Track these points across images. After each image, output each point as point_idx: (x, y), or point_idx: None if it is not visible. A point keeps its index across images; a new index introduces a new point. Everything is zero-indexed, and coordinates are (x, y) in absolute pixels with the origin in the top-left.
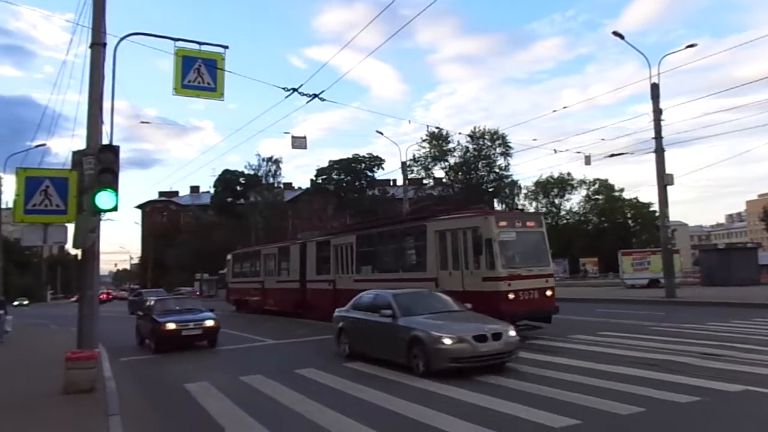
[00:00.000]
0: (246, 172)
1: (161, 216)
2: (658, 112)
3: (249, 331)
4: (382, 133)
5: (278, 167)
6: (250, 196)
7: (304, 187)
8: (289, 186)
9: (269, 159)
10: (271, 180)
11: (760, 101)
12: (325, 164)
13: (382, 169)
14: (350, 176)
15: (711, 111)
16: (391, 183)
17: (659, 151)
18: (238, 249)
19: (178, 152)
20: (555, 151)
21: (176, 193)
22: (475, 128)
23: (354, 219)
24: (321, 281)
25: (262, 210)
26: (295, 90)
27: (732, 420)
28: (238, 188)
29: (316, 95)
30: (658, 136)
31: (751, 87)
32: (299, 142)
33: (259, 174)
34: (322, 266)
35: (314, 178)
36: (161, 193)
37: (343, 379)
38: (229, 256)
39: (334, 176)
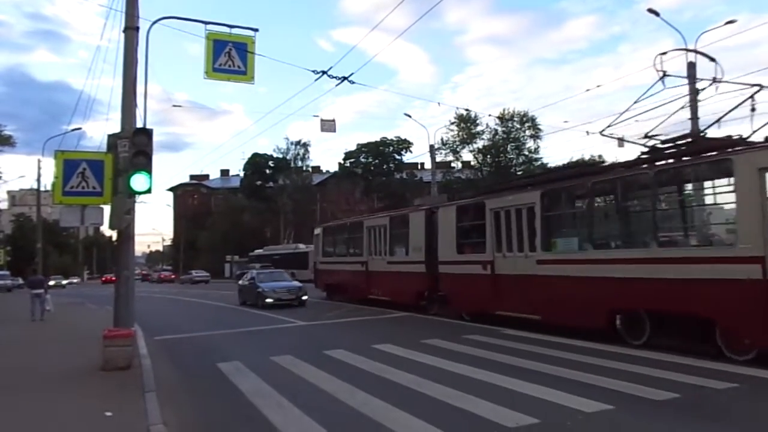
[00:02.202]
0: (275, 155)
1: (192, 199)
2: (694, 93)
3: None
4: (410, 116)
5: (306, 150)
6: (279, 179)
7: (332, 170)
8: (317, 169)
9: (298, 142)
10: (299, 163)
11: None
12: (353, 148)
13: (410, 152)
14: (378, 160)
15: (750, 89)
16: (419, 167)
17: (695, 133)
18: (331, 221)
19: (208, 136)
20: (587, 132)
21: (207, 176)
22: (504, 110)
23: (382, 203)
24: (466, 263)
25: (291, 193)
26: (324, 73)
27: None
28: (267, 171)
29: (345, 78)
30: (695, 117)
31: None
32: (328, 125)
33: (288, 157)
34: (467, 241)
35: (342, 162)
36: (192, 176)
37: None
38: (317, 230)
39: (362, 159)
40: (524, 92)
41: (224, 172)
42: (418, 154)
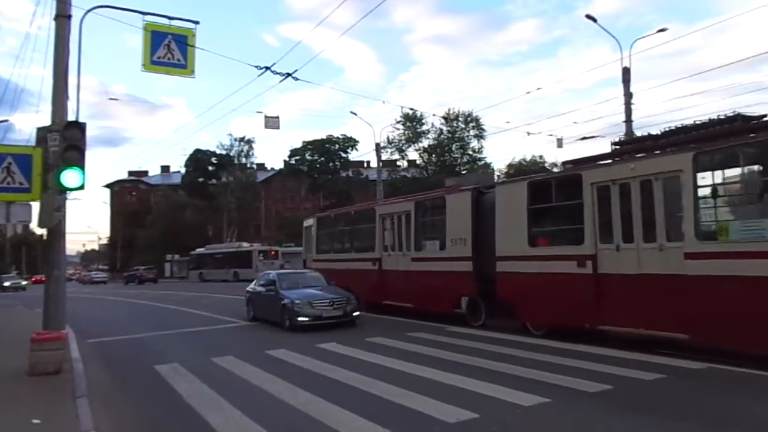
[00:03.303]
0: (218, 151)
1: (130, 196)
2: (628, 96)
3: None
4: (355, 114)
5: (251, 147)
6: (222, 176)
7: (277, 167)
8: (261, 167)
9: (242, 139)
10: (243, 160)
11: (727, 86)
12: (299, 145)
13: (356, 150)
14: (324, 157)
15: (680, 95)
16: (365, 165)
17: (629, 135)
18: (328, 211)
19: (148, 130)
20: (528, 133)
21: (146, 172)
22: (449, 110)
23: (328, 201)
24: (545, 258)
25: (234, 190)
26: (267, 69)
27: None
28: (210, 168)
29: (289, 74)
30: (629, 120)
31: (718, 72)
32: (272, 122)
33: (231, 154)
34: (545, 230)
35: (287, 159)
36: (131, 173)
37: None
38: (310, 221)
39: (308, 157)
40: (469, 92)
41: (165, 169)
42: (364, 152)
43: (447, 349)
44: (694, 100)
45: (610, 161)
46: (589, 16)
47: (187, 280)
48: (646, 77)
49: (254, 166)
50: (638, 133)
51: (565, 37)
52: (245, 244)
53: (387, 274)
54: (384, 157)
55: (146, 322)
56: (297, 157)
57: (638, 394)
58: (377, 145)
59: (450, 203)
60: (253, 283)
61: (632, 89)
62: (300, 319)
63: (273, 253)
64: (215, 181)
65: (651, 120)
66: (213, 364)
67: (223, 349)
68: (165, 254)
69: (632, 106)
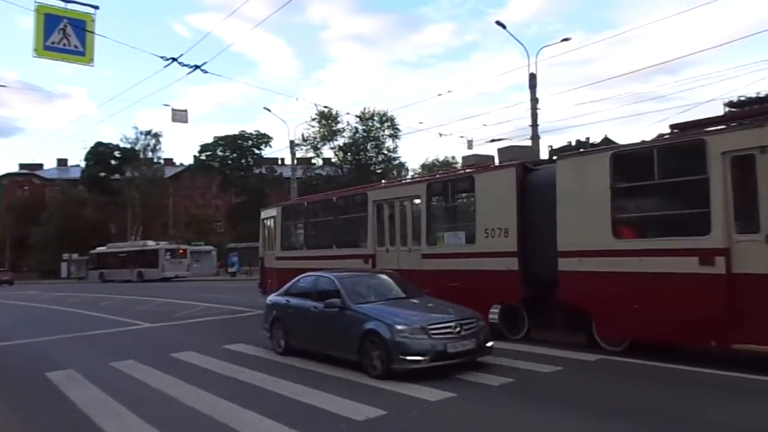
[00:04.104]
0: (122, 145)
1: (22, 190)
2: (534, 101)
3: None
4: (269, 110)
5: (158, 141)
6: (127, 171)
7: (186, 163)
8: (169, 162)
9: (148, 132)
10: (150, 155)
11: (625, 94)
12: (210, 140)
13: (270, 147)
14: (236, 153)
15: (584, 101)
16: (280, 162)
17: (535, 138)
18: (298, 198)
19: (43, 121)
20: (440, 134)
21: (40, 165)
22: (364, 109)
23: (240, 198)
24: (642, 253)
25: (140, 186)
26: (174, 60)
27: None
28: (113, 162)
29: (197, 66)
30: (535, 124)
31: (617, 81)
32: (180, 116)
33: (137, 148)
34: (637, 216)
35: (197, 155)
36: (22, 165)
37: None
38: (271, 211)
39: (219, 153)
40: (385, 92)
41: (62, 162)
42: (278, 149)
43: None
44: (595, 106)
45: (744, 123)
46: (498, 23)
47: (86, 280)
48: (552, 83)
49: (162, 161)
50: (543, 137)
51: (477, 42)
52: (151, 243)
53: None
54: (299, 154)
55: (37, 326)
56: (208, 153)
57: (538, 386)
58: (292, 142)
59: (482, 184)
60: (281, 291)
61: (538, 95)
62: (410, 358)
63: (181, 252)
64: (119, 177)
65: (556, 125)
66: (112, 369)
67: (124, 353)
68: (62, 253)
69: (538, 111)
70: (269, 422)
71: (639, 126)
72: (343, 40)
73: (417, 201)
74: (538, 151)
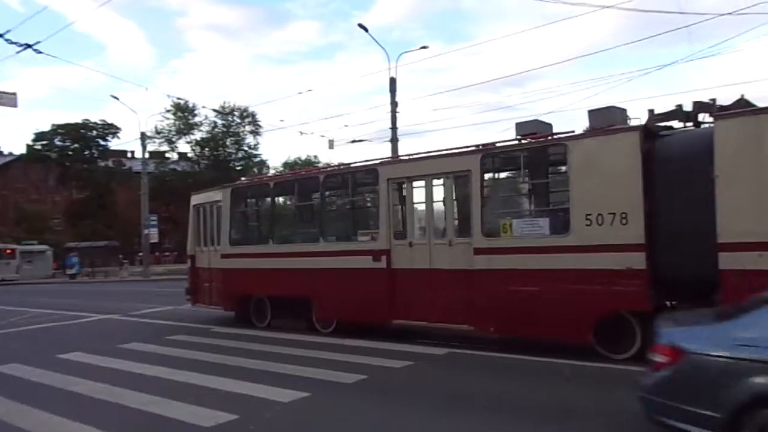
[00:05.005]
0: None
1: None
2: (394, 105)
3: None
4: (117, 99)
5: None
6: None
7: (17, 152)
8: None
9: None
10: None
11: (478, 103)
12: (47, 128)
13: (118, 138)
14: (79, 144)
15: (439, 108)
16: (129, 155)
17: (394, 141)
18: (261, 177)
19: None
20: (301, 133)
21: None
22: (224, 103)
23: (83, 193)
24: None
25: None
26: (0, 36)
27: None
28: None
29: (29, 45)
30: (394, 127)
31: (471, 90)
32: (7, 99)
33: None
34: None
35: (31, 144)
36: None
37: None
38: (214, 195)
39: (58, 143)
40: (247, 87)
41: None
42: (126, 141)
43: (206, 350)
44: (450, 113)
45: None
46: (361, 26)
47: None
48: (411, 88)
49: None
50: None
51: (342, 42)
52: None
53: (405, 277)
54: (151, 147)
55: None
56: (44, 142)
57: (390, 381)
58: (143, 134)
59: (581, 154)
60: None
61: (398, 98)
62: None
63: (9, 251)
64: None
65: (414, 128)
66: None
67: None
68: None
69: (397, 114)
70: None
71: (489, 133)
72: (202, 30)
73: (462, 178)
74: (397, 150)
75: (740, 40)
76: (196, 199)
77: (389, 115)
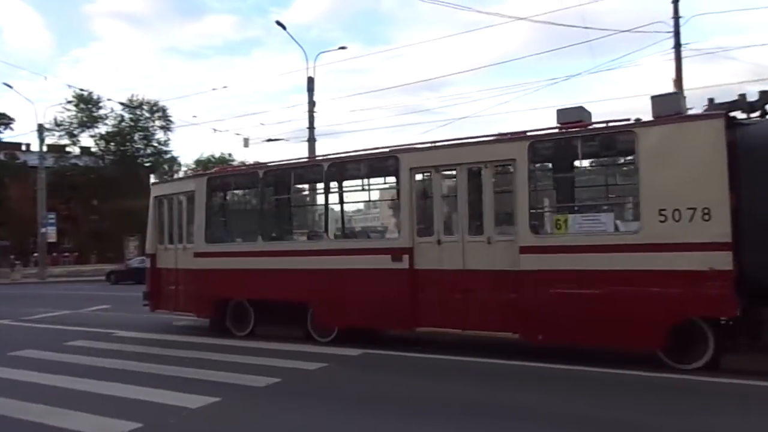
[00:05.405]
0: None
1: None
2: (312, 104)
3: None
4: (11, 87)
5: None
6: None
7: None
8: None
9: None
10: None
11: (397, 105)
12: None
13: (12, 129)
14: None
15: (358, 109)
16: (24, 148)
17: (311, 140)
18: (241, 166)
19: None
20: (215, 130)
21: None
22: (132, 96)
23: None
24: None
25: None
26: None
27: None
28: None
29: None
30: (311, 126)
31: (390, 92)
32: None
33: None
34: None
35: None
36: None
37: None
38: (184, 185)
39: None
40: (157, 80)
41: None
42: (21, 133)
43: (108, 356)
44: (368, 114)
45: None
46: (279, 23)
47: None
48: (330, 88)
49: None
50: (320, 140)
51: (259, 39)
52: None
53: (432, 279)
54: (50, 141)
55: None
56: None
57: (304, 384)
58: (40, 126)
59: (652, 142)
60: None
61: (316, 98)
62: None
63: None
64: None
65: (333, 129)
66: None
67: None
68: None
69: (315, 114)
70: None
71: (407, 135)
72: (108, 17)
73: (505, 168)
74: (314, 150)
75: (639, 56)
76: (158, 190)
77: (307, 115)
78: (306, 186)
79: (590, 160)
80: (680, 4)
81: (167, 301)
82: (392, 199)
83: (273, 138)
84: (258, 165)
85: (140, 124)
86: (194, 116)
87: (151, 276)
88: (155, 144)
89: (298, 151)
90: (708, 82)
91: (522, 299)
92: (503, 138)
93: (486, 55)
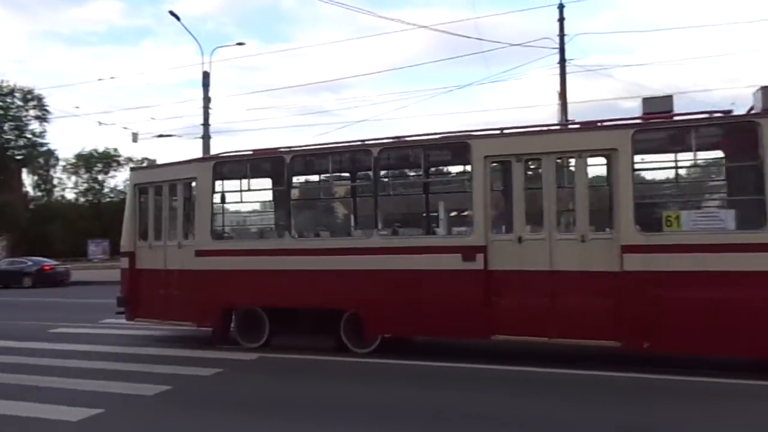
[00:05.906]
0: None
1: None
2: (207, 100)
3: None
4: None
5: None
6: None
7: None
8: None
9: None
10: None
11: (295, 105)
12: None
13: None
14: None
15: (255, 107)
16: None
17: (206, 137)
18: (273, 149)
19: None
20: (100, 123)
21: None
22: (2, 82)
23: None
24: None
25: None
26: None
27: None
28: None
29: None
30: (206, 123)
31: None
32: None
33: None
34: None
35: None
36: None
37: None
38: (182, 171)
39: None
40: (32, 65)
41: None
42: None
43: None
44: (266, 113)
45: None
46: (172, 13)
47: None
48: (226, 85)
49: None
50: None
51: (149, 28)
52: None
53: (511, 281)
54: None
55: None
56: None
57: (197, 391)
58: None
59: None
60: None
61: (211, 94)
62: None
63: None
64: None
65: (228, 126)
66: None
67: None
68: None
69: (210, 110)
70: None
71: (305, 136)
72: None
73: (602, 158)
74: (209, 148)
75: (529, 68)
76: (140, 176)
77: (201, 111)
78: (347, 174)
79: (704, 152)
80: (565, 23)
81: (151, 309)
82: (459, 192)
83: (164, 134)
84: (283, 149)
85: (11, 113)
86: (77, 107)
87: (128, 278)
88: (29, 135)
89: (191, 148)
90: (589, 96)
91: (625, 303)
92: (601, 126)
93: (386, 59)
